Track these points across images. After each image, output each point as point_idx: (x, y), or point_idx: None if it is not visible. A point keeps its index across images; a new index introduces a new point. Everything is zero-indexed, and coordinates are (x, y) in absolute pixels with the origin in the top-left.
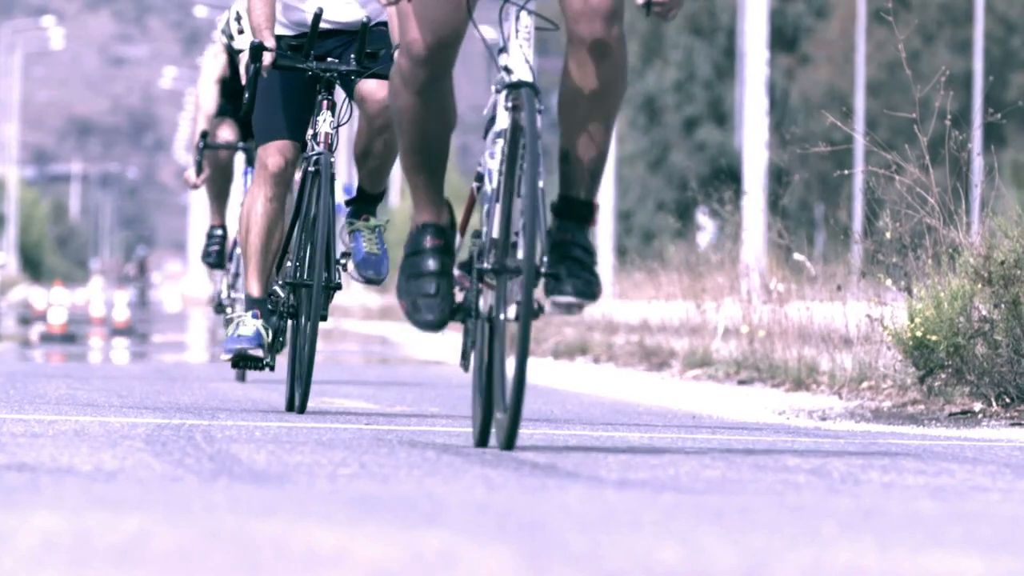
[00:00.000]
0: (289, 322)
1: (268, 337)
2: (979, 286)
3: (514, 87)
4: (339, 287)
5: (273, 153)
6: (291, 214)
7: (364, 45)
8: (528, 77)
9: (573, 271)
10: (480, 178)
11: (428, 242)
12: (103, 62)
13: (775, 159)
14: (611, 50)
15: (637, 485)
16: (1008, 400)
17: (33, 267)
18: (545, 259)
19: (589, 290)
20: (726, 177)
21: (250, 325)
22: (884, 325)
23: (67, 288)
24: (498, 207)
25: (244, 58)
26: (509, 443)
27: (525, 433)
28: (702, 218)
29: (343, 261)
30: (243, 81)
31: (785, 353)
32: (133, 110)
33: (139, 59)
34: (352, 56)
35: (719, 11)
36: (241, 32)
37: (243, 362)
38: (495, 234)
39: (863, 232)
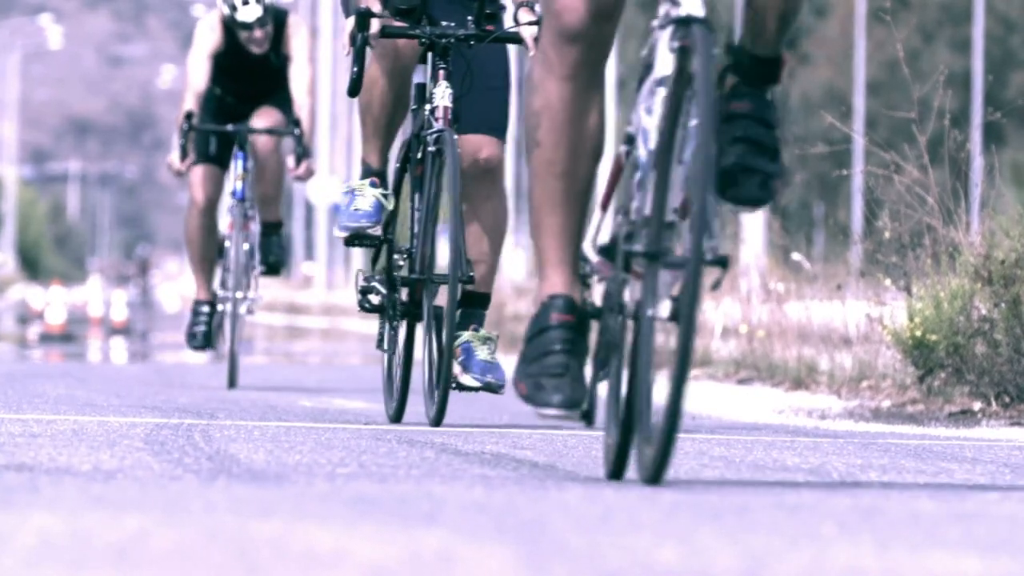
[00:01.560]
0: (402, 322)
1: (389, 204)
2: (979, 285)
3: (682, 23)
4: (471, 280)
5: (386, 46)
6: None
7: (484, 5)
8: (700, 11)
9: (749, 161)
10: (630, 140)
11: (555, 318)
12: (101, 61)
13: None
14: None
15: (636, 485)
16: (1008, 400)
17: (31, 266)
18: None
19: (767, 191)
20: None
21: (368, 195)
22: (883, 325)
23: (65, 287)
24: (653, 176)
25: (349, 26)
26: (656, 477)
27: (524, 432)
28: None
29: (455, 372)
30: (346, 50)
31: (784, 353)
32: (131, 109)
33: (137, 58)
34: (470, 19)
35: (718, 9)
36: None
37: (360, 241)
38: (647, 210)
39: (862, 232)
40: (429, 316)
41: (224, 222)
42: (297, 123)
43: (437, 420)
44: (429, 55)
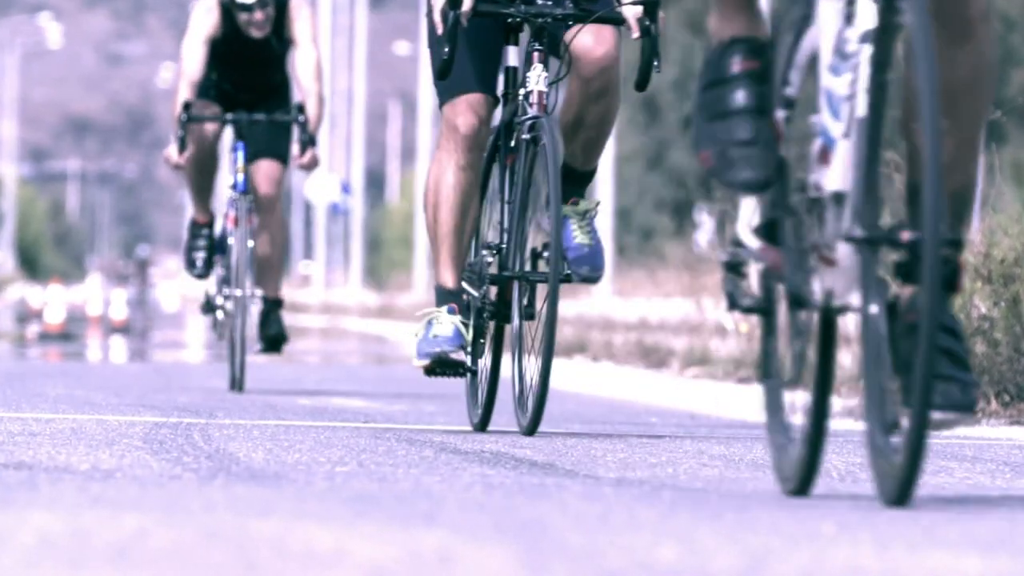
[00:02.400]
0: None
1: (469, 336)
2: (978, 284)
3: None
4: (569, 279)
5: (463, 111)
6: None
7: None
8: None
9: (947, 371)
10: (790, 104)
11: (736, 65)
12: (101, 60)
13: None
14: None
15: (636, 484)
16: (1008, 398)
17: (30, 265)
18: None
19: (970, 398)
20: None
21: (447, 323)
22: None
23: (64, 286)
24: (856, 147)
25: (438, 4)
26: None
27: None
28: (701, 216)
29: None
30: (438, 29)
31: (784, 351)
32: (131, 108)
33: (137, 57)
34: None
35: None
36: None
37: (442, 368)
38: (840, 185)
39: None
40: (521, 317)
41: (225, 217)
42: (301, 109)
43: (531, 429)
44: (522, 36)
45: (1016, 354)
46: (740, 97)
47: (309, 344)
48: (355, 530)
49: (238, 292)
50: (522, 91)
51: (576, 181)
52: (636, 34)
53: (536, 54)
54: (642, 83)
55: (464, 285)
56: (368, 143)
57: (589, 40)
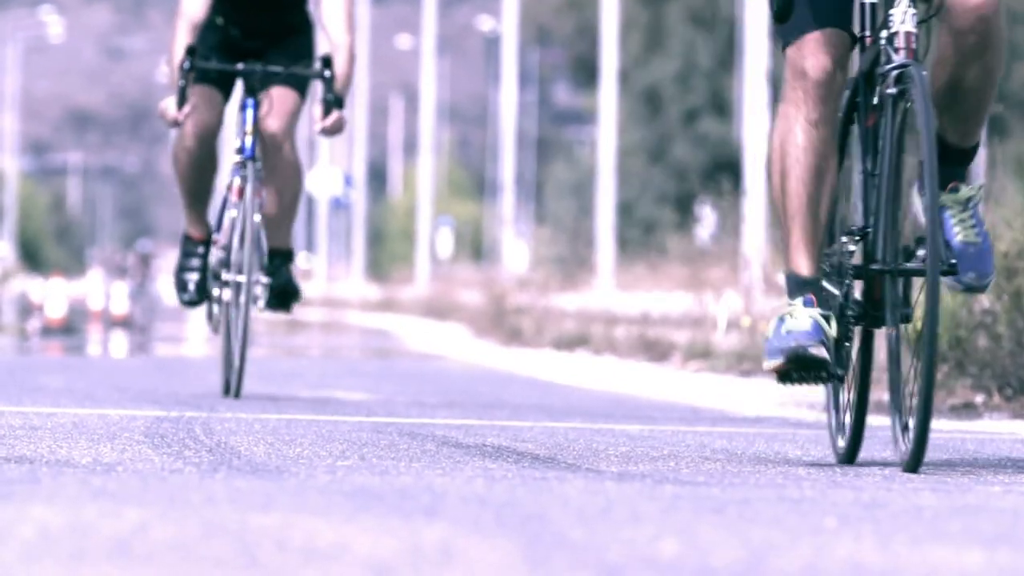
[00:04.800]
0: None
1: (832, 331)
2: None
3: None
4: (954, 271)
5: (813, 50)
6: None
7: None
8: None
9: None
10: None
11: None
12: (102, 53)
13: None
14: None
15: (637, 477)
16: (1010, 392)
17: (32, 259)
18: None
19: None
20: (727, 169)
21: (803, 316)
22: None
23: (66, 280)
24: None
25: None
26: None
27: (525, 426)
28: (703, 210)
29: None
30: None
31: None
32: (132, 102)
33: (138, 51)
34: None
35: (720, 2)
36: None
37: (799, 368)
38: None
39: None
40: (897, 320)
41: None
42: (328, 63)
43: (913, 464)
44: None
45: (1019, 348)
46: None
47: (311, 338)
48: (356, 524)
49: (240, 278)
50: (885, 32)
51: (953, 160)
52: None
53: None
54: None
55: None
56: (370, 137)
57: None
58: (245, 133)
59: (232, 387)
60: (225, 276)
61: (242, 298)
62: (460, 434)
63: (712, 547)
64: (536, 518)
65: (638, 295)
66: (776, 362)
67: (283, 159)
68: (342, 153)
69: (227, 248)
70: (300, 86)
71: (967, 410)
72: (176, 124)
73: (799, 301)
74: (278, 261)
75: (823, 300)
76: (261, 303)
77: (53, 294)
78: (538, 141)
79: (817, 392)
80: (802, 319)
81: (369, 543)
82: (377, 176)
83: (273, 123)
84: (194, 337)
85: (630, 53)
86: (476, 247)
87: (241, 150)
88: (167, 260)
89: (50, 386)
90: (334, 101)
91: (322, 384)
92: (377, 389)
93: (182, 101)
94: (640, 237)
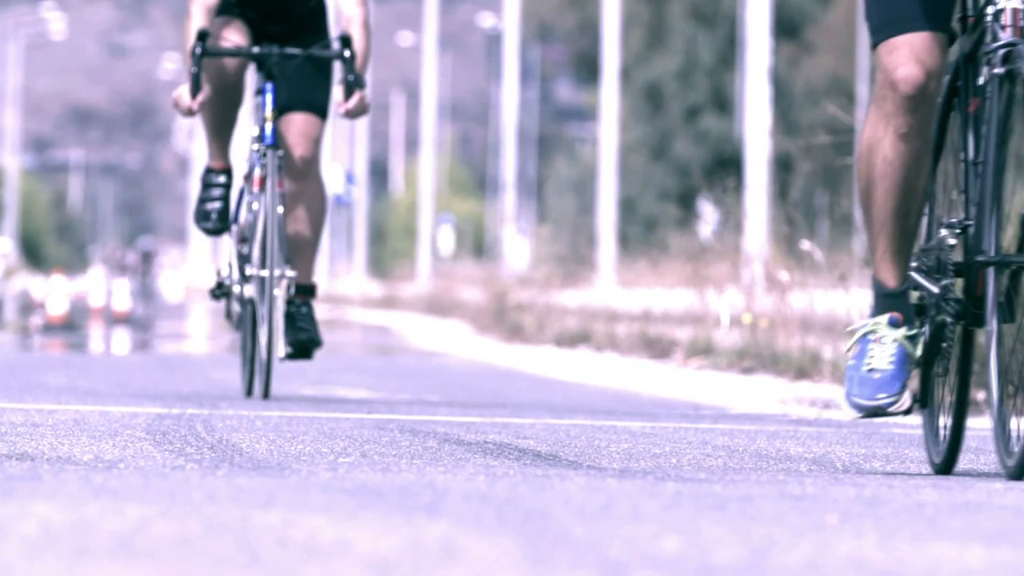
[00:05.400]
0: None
1: (917, 352)
2: None
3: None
4: None
5: (905, 59)
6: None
7: None
8: None
9: None
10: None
11: None
12: (103, 50)
13: (779, 147)
14: None
15: (639, 474)
16: (1012, 390)
17: (33, 256)
18: None
19: None
20: (729, 166)
21: (888, 345)
22: None
23: (67, 277)
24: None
25: None
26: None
27: (526, 423)
28: (704, 207)
29: None
30: None
31: (788, 342)
32: (134, 99)
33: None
34: None
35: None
36: None
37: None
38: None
39: None
40: (999, 321)
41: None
42: (347, 42)
43: (1019, 471)
44: None
45: (1021, 346)
46: None
47: None
48: (358, 521)
49: (263, 272)
50: (991, 9)
51: None
52: None
53: None
54: None
55: (915, 276)
56: (372, 134)
57: None
58: (265, 119)
59: (260, 387)
60: (248, 270)
61: (267, 292)
62: (462, 431)
63: (714, 544)
64: (538, 515)
65: (640, 292)
66: (856, 415)
67: (310, 187)
68: (344, 150)
69: (246, 240)
70: (322, 111)
71: (969, 407)
72: (191, 113)
73: (884, 320)
74: (300, 303)
75: (909, 317)
76: (282, 352)
77: (54, 291)
78: (539, 138)
79: (818, 390)
80: (886, 351)
81: (371, 540)
82: (379, 173)
83: (301, 148)
84: (196, 334)
85: (631, 50)
86: (478, 244)
87: (261, 137)
88: (168, 257)
89: (52, 383)
90: (355, 81)
91: (323, 381)
92: (378, 386)
93: (196, 88)
94: (642, 234)
